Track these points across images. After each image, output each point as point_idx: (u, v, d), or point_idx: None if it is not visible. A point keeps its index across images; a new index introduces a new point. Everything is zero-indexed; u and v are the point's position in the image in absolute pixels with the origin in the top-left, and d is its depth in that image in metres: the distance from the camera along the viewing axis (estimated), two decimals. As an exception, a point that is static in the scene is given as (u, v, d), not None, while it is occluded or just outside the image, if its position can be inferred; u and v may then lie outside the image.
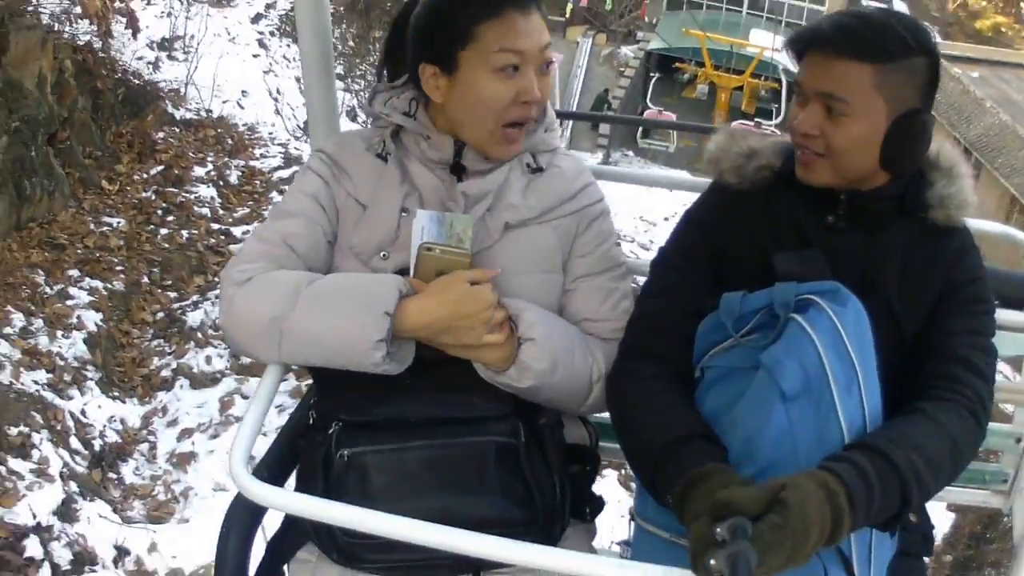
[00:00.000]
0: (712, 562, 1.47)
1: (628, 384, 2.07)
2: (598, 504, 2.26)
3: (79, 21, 10.70)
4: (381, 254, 2.11)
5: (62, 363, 7.36)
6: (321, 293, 1.99)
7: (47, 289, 8.13)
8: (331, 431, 2.01)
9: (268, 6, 16.82)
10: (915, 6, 34.95)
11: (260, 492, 1.75)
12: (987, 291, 2.13)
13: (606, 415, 2.26)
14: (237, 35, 15.22)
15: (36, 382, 7.06)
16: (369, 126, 2.33)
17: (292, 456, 2.19)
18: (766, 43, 27.46)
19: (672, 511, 1.73)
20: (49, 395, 6.98)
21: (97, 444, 6.84)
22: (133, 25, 11.27)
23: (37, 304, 7.91)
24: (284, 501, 1.83)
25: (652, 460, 1.84)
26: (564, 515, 2.09)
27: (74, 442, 6.63)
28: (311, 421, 2.12)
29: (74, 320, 8.00)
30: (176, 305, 8.69)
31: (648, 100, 28.68)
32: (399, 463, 1.99)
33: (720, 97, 25.96)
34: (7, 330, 7.27)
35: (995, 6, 42.07)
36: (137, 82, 11.51)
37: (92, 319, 8.09)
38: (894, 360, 1.95)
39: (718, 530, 1.52)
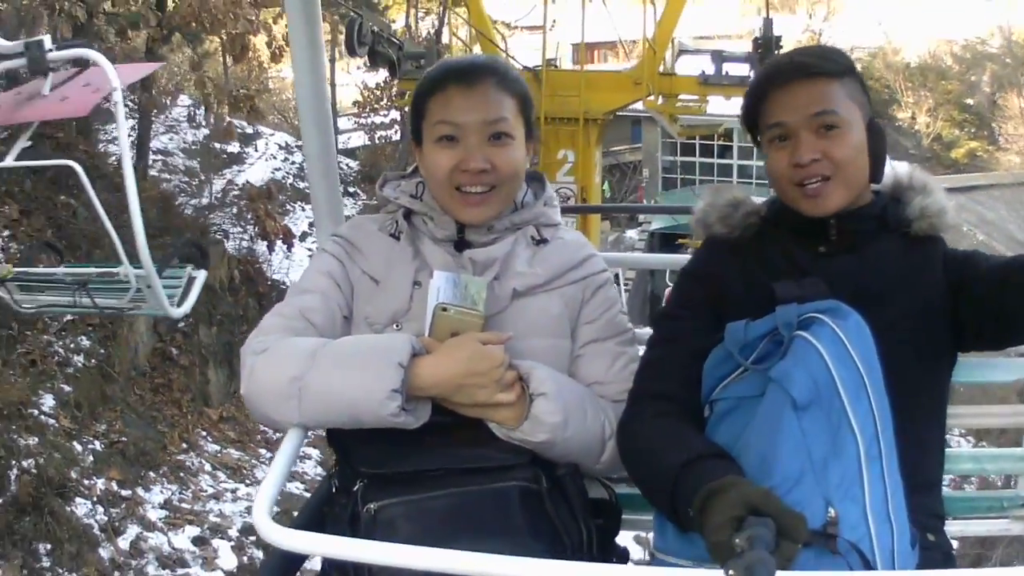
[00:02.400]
0: (731, 572, 1.62)
1: (638, 425, 2.33)
2: (623, 555, 2.54)
3: (245, 238, 14.76)
4: (395, 324, 2.43)
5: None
6: (337, 352, 2.27)
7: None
8: (355, 488, 2.25)
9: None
10: (892, 147, 40.78)
11: (284, 537, 1.89)
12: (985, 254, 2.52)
13: (623, 489, 2.68)
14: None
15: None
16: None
17: (318, 526, 2.38)
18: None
19: (694, 528, 1.93)
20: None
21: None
22: (288, 240, 15.08)
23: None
24: (309, 543, 1.97)
25: (671, 481, 2.04)
26: (592, 558, 2.32)
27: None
28: (334, 489, 2.39)
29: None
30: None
31: (654, 278, 33.41)
32: (425, 512, 2.19)
33: None
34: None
35: (967, 133, 46.19)
36: (285, 285, 15.13)
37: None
38: (899, 370, 2.16)
39: (737, 540, 1.71)
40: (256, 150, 23.44)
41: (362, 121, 27.00)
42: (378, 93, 25.66)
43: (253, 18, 13.91)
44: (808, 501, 1.94)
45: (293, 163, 23.72)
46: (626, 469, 2.38)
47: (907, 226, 2.49)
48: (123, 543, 9.17)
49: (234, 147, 21.40)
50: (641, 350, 2.59)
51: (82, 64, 4.59)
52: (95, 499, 9.28)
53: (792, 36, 46.09)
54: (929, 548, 2.26)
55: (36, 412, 9.56)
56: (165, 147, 19.20)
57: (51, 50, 4.35)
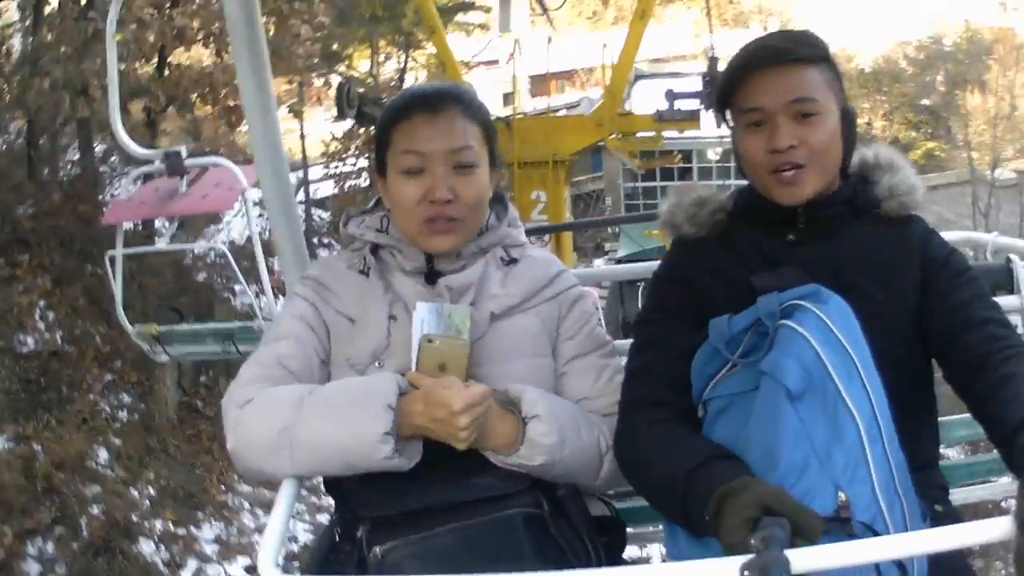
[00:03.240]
0: (747, 573, 1.69)
1: (635, 435, 2.40)
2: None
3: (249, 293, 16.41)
4: (376, 363, 2.49)
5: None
6: (324, 399, 2.35)
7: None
8: (359, 534, 2.34)
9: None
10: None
11: None
12: (965, 260, 2.57)
13: (622, 504, 2.84)
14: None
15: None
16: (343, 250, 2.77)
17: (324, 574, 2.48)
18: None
19: (707, 532, 2.01)
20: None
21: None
22: (284, 290, 17.50)
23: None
24: None
25: (680, 487, 2.12)
26: None
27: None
28: (337, 537, 2.46)
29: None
30: None
31: (625, 306, 34.60)
32: (432, 549, 2.27)
33: None
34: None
35: (924, 134, 47.83)
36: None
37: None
38: (882, 352, 2.23)
39: (752, 541, 1.78)
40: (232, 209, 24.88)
41: (330, 171, 27.80)
42: (344, 143, 26.31)
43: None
44: (817, 488, 2.03)
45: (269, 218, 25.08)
46: (628, 480, 2.46)
47: (877, 207, 2.57)
48: (186, 575, 10.63)
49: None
50: (622, 361, 2.70)
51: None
52: (157, 538, 10.68)
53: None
54: (938, 519, 2.32)
55: (94, 464, 10.91)
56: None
57: (186, 157, 5.24)
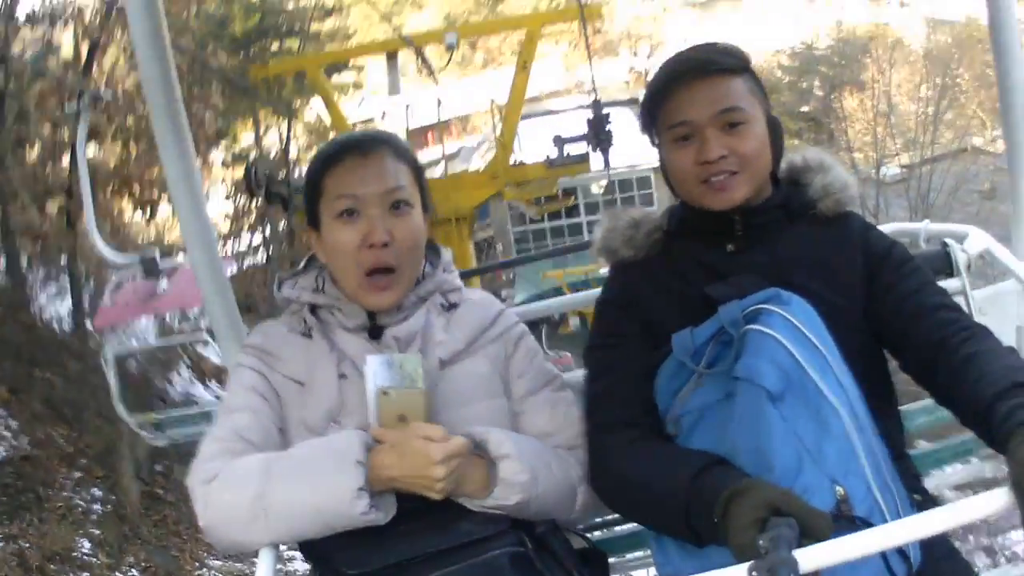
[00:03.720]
0: (755, 573, 1.77)
1: (615, 455, 2.50)
2: None
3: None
4: (332, 422, 2.57)
5: None
6: (292, 463, 2.42)
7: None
8: None
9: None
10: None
11: None
12: (906, 250, 2.69)
13: (595, 536, 3.05)
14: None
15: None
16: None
17: None
18: (615, 259, 34.27)
19: (713, 537, 2.14)
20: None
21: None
22: (220, 378, 17.44)
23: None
24: None
25: (683, 494, 2.22)
26: None
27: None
28: None
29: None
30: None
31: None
32: None
33: (591, 323, 32.04)
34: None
35: (808, 140, 48.06)
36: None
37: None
38: (840, 349, 2.36)
39: (760, 541, 1.87)
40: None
41: (227, 251, 27.50)
42: (237, 222, 27.08)
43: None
44: (815, 485, 2.14)
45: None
46: (612, 502, 2.56)
47: (812, 207, 2.68)
48: None
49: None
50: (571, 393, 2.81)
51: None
52: None
53: (618, 77, 49.31)
54: (921, 506, 2.42)
55: (79, 554, 12.02)
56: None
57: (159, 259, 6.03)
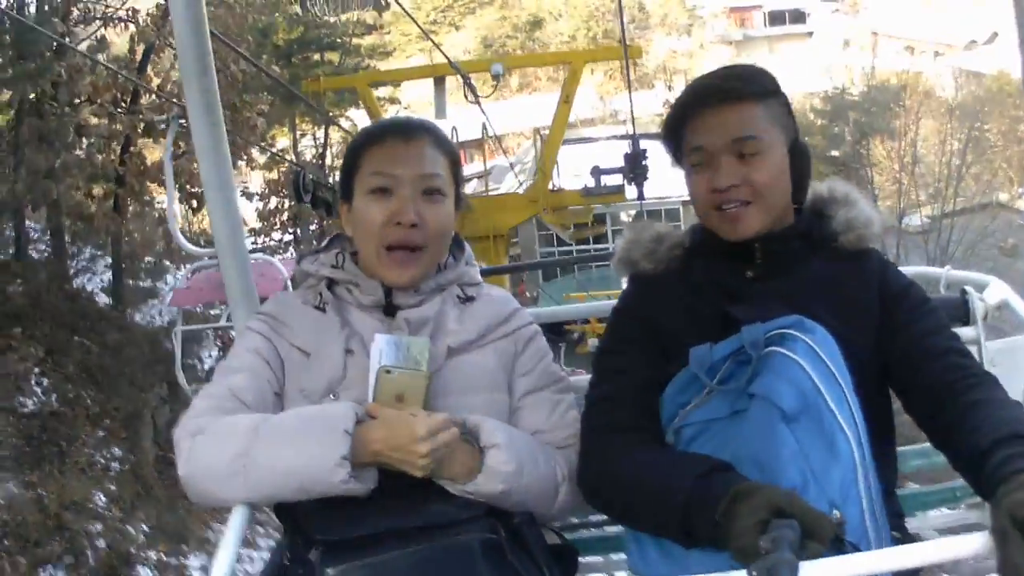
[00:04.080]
0: (754, 573, 1.76)
1: (612, 455, 2.45)
2: None
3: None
4: (331, 394, 2.56)
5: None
6: (280, 425, 2.42)
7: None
8: (311, 557, 2.38)
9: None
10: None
11: None
12: (923, 291, 2.65)
13: (571, 535, 3.04)
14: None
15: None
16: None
17: None
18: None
19: (712, 539, 2.10)
20: None
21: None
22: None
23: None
24: None
25: (684, 494, 2.17)
26: None
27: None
28: (286, 561, 2.49)
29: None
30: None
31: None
32: (387, 572, 2.32)
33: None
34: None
35: None
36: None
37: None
38: (853, 381, 2.31)
39: (761, 543, 1.85)
40: (166, 283, 27.13)
41: (259, 243, 28.10)
42: (270, 220, 27.69)
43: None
44: (816, 505, 2.05)
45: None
46: (600, 499, 2.52)
47: (834, 240, 2.63)
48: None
49: (147, 282, 24.56)
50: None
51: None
52: (152, 567, 12.67)
53: (652, 110, 50.08)
54: (898, 543, 2.38)
55: (94, 506, 12.79)
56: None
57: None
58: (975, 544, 1.89)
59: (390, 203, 2.64)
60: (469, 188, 25.93)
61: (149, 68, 18.73)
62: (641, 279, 2.76)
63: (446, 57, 17.98)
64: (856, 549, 2.10)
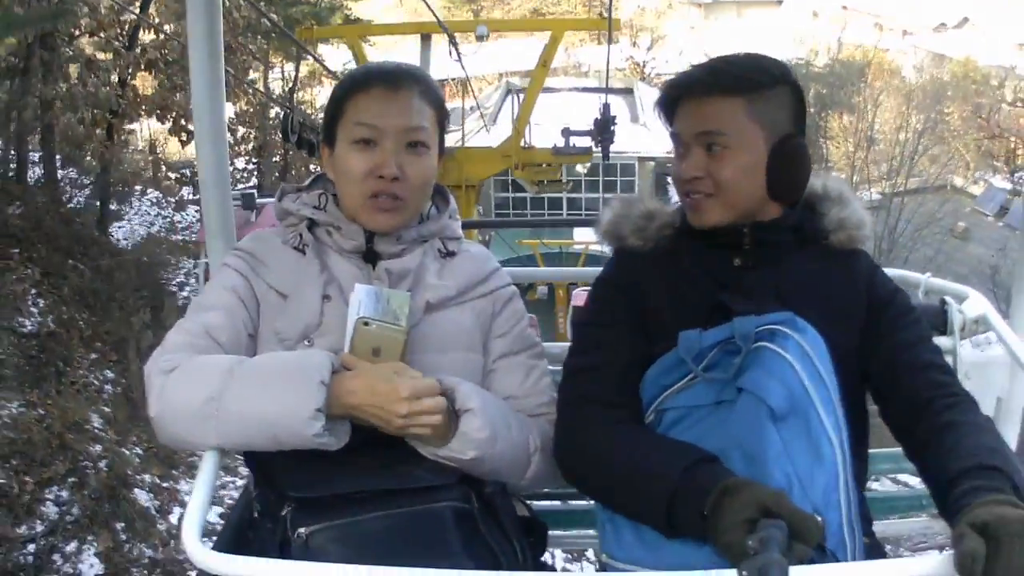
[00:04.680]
0: (744, 574, 1.78)
1: (592, 431, 2.43)
2: (550, 571, 2.86)
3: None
4: (306, 340, 2.53)
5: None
6: (254, 370, 2.36)
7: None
8: (283, 513, 2.34)
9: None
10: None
11: (221, 563, 2.02)
12: (908, 299, 2.66)
13: (547, 503, 3.10)
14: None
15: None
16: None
17: (242, 551, 2.35)
18: (589, 238, 32.06)
19: (697, 531, 2.10)
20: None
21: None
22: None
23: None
24: (251, 569, 2.04)
25: (671, 484, 2.16)
26: None
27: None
28: (256, 513, 2.46)
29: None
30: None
31: None
32: (358, 535, 2.30)
33: (558, 293, 30.22)
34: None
35: None
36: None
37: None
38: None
39: (749, 542, 1.87)
40: (130, 207, 28.11)
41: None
42: (237, 149, 28.66)
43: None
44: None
45: (165, 218, 28.08)
46: (578, 479, 2.50)
47: (825, 237, 2.63)
48: (172, 519, 12.95)
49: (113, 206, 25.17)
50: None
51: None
52: (147, 489, 13.13)
53: (615, 64, 50.18)
54: (868, 549, 2.41)
55: (91, 428, 13.52)
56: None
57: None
58: (941, 566, 1.90)
59: (373, 155, 2.61)
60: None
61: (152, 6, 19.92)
62: (627, 253, 2.73)
63: (435, 17, 19.14)
64: (834, 556, 2.17)
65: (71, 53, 18.53)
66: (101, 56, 18.75)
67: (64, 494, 12.42)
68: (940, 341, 3.21)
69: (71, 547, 12.14)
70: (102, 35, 18.62)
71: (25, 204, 17.73)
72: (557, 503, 3.43)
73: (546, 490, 3.17)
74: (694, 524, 2.12)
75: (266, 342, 2.60)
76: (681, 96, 2.57)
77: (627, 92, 48.86)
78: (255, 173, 31.06)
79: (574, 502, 3.38)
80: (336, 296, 2.58)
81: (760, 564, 1.79)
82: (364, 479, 2.37)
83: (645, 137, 38.49)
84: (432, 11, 19.03)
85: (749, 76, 2.53)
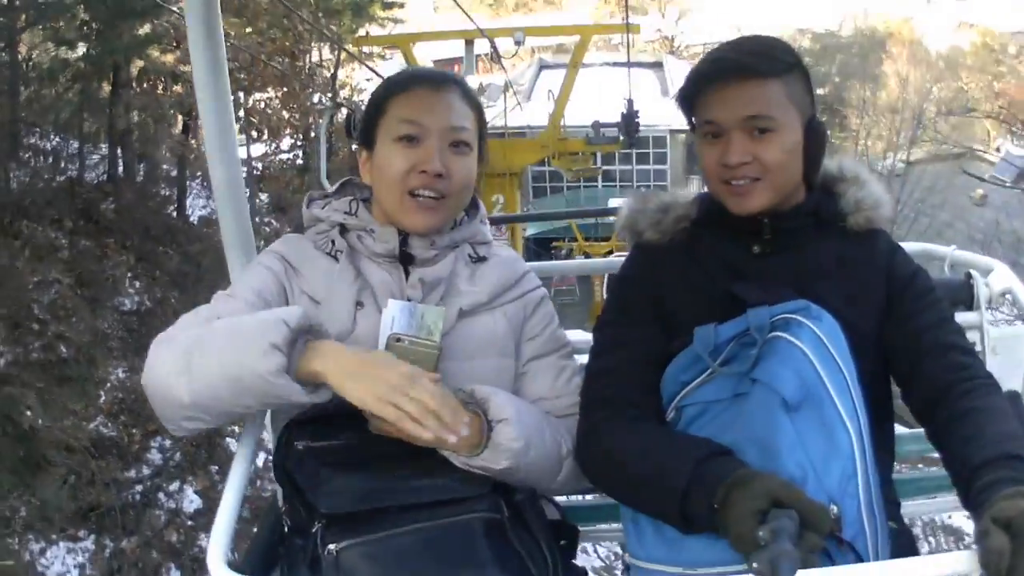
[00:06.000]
0: (755, 565, 1.77)
1: (615, 430, 2.46)
2: (582, 575, 2.72)
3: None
4: None
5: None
6: (230, 322, 2.37)
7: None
8: (314, 530, 2.33)
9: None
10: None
11: None
12: (930, 279, 2.64)
13: (576, 498, 3.12)
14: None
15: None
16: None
17: (271, 568, 2.55)
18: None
19: (709, 524, 2.12)
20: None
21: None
22: None
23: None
24: None
25: (684, 477, 2.18)
26: None
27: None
28: (286, 528, 2.50)
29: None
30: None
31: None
32: (389, 550, 2.31)
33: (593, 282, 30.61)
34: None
35: None
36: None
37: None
38: (856, 365, 2.34)
39: (760, 533, 1.88)
40: (207, 196, 28.67)
41: (265, 150, 30.77)
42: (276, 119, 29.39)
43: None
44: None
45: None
46: (596, 476, 2.53)
47: (843, 220, 2.64)
48: (259, 462, 15.80)
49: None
50: (580, 359, 2.86)
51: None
52: (236, 437, 14.47)
53: (644, 36, 51.25)
54: (894, 536, 2.40)
55: None
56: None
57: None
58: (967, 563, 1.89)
59: (417, 151, 2.60)
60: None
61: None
62: (645, 248, 2.73)
63: (478, 27, 21.32)
64: (851, 546, 2.15)
65: (145, 65, 21.12)
66: (181, 67, 21.04)
67: (167, 443, 15.51)
68: (967, 316, 3.37)
69: (174, 486, 15.27)
70: (180, 47, 20.92)
71: (116, 198, 20.03)
72: (591, 497, 3.41)
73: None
74: (706, 517, 2.14)
75: None
76: (712, 83, 2.54)
77: (657, 66, 50.99)
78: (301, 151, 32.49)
79: (598, 496, 3.32)
80: (369, 303, 2.60)
81: (771, 554, 1.81)
82: (395, 493, 2.37)
83: (676, 110, 40.22)
84: (472, 19, 20.94)
85: (781, 58, 2.54)
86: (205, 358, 2.30)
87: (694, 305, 2.56)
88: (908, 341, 2.51)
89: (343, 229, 2.73)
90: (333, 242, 2.70)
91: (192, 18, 3.02)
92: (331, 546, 2.28)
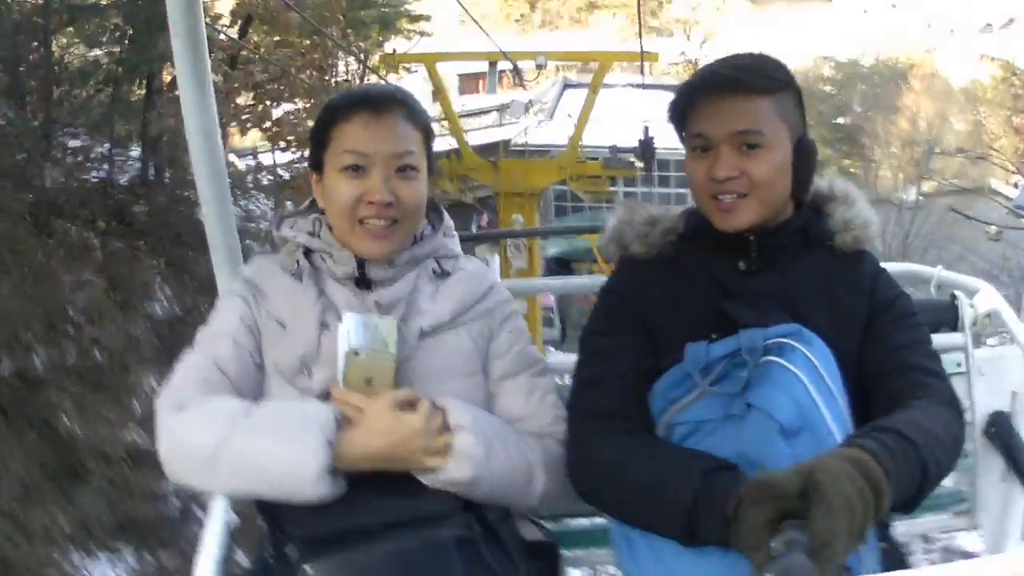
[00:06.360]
0: (768, 575, 1.82)
1: (607, 444, 2.48)
2: None
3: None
4: (304, 370, 2.57)
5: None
6: (263, 422, 2.42)
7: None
8: (289, 552, 2.40)
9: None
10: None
11: None
12: (912, 303, 2.66)
13: (566, 522, 3.13)
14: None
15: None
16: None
17: None
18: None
19: (717, 538, 2.14)
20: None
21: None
22: None
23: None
24: None
25: (691, 491, 2.20)
26: None
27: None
28: (270, 559, 2.51)
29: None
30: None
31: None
32: (363, 568, 2.34)
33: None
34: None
35: (841, 152, 53.51)
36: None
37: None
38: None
39: (772, 544, 1.90)
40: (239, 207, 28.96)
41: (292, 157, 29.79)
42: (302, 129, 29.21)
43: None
44: None
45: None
46: (593, 491, 2.55)
47: (830, 239, 2.67)
48: None
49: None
50: (553, 379, 2.87)
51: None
52: None
53: (668, 58, 51.24)
54: (884, 554, 2.43)
55: None
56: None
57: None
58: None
59: (363, 181, 2.62)
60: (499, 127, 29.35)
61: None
62: (632, 262, 2.75)
63: (501, 50, 21.94)
64: (846, 569, 2.06)
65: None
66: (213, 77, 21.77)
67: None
68: (952, 338, 3.38)
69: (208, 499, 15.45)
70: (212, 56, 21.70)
71: (148, 201, 20.51)
72: (584, 521, 3.40)
73: (557, 512, 3.23)
74: (716, 530, 2.14)
75: (270, 374, 2.65)
76: (703, 96, 2.57)
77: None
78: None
79: (594, 519, 3.32)
80: (333, 324, 2.59)
81: (784, 567, 1.84)
82: (367, 512, 2.39)
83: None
84: (494, 41, 21.65)
85: (773, 75, 2.57)
86: (243, 462, 2.41)
87: (680, 320, 2.59)
88: (878, 359, 2.55)
89: (308, 250, 2.77)
90: (298, 262, 2.74)
91: (175, 23, 3.05)
92: (306, 567, 2.36)
